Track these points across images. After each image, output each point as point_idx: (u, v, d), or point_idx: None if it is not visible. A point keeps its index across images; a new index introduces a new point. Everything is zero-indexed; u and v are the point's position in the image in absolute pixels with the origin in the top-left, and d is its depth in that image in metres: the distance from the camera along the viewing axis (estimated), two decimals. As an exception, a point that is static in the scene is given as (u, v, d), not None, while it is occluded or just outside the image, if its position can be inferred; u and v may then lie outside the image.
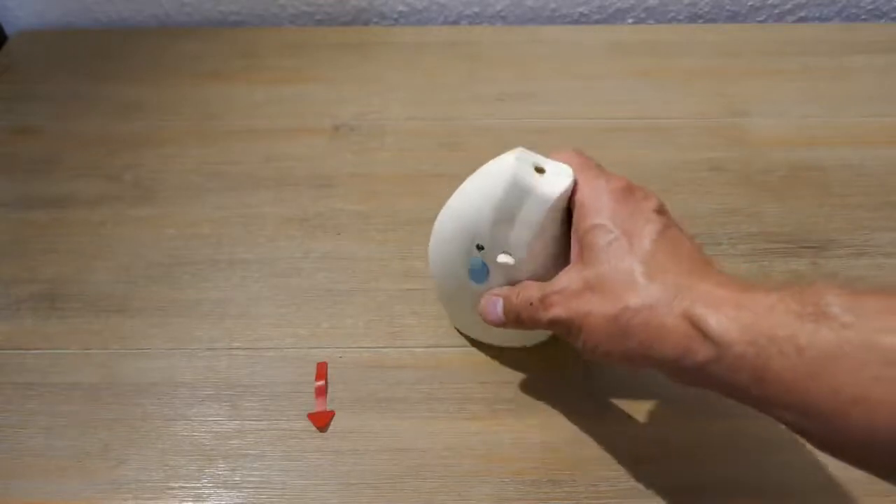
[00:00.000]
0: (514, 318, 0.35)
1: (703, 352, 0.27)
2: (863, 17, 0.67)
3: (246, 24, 0.68)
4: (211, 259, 0.47)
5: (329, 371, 0.41)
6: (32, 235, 0.49)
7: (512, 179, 0.33)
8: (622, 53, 0.61)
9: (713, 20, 0.67)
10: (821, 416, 0.25)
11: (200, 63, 0.61)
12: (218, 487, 0.37)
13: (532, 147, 0.36)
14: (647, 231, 0.31)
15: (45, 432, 0.39)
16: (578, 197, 0.33)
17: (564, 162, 0.34)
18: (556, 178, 0.33)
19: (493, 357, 0.42)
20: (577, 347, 0.32)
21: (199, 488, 0.37)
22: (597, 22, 0.67)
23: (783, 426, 0.27)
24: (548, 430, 0.38)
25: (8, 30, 0.67)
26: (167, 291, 0.45)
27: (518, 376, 0.41)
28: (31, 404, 0.40)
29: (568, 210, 0.35)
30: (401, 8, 0.66)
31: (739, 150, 0.53)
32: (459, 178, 0.37)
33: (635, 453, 0.37)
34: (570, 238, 0.37)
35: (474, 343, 0.42)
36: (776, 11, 0.67)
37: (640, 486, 0.36)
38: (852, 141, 0.53)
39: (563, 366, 0.41)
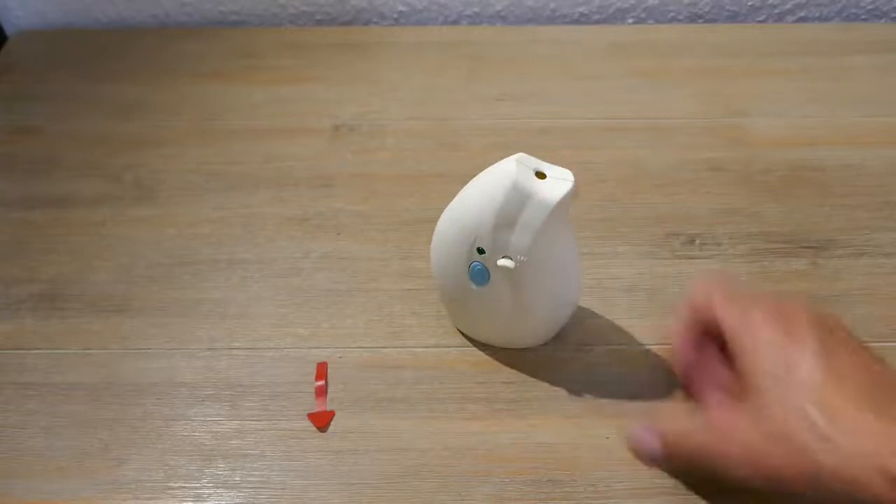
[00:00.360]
0: (685, 463, 0.34)
1: (891, 496, 0.27)
2: (863, 17, 0.67)
3: (246, 24, 0.68)
4: (211, 259, 0.47)
5: (329, 371, 0.41)
6: (32, 235, 0.49)
7: (512, 184, 0.33)
8: (622, 53, 0.61)
9: (713, 20, 0.67)
10: None
11: (200, 63, 0.61)
12: (218, 487, 0.37)
13: (532, 147, 0.36)
14: (807, 362, 0.30)
15: (45, 432, 0.39)
16: (733, 335, 0.33)
17: (710, 292, 0.35)
18: (557, 183, 0.33)
19: (493, 357, 0.41)
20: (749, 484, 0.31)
21: (199, 488, 0.37)
22: (597, 22, 0.67)
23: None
24: (548, 430, 0.38)
25: (8, 30, 0.67)
26: (167, 291, 0.45)
27: (518, 376, 0.41)
28: (31, 404, 0.40)
29: (710, 330, 0.35)
30: (401, 8, 0.66)
31: (739, 150, 0.53)
32: (459, 178, 0.37)
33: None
34: (571, 242, 0.37)
35: (474, 343, 0.42)
36: (776, 11, 0.67)
37: (640, 486, 0.36)
38: (852, 141, 0.53)
39: (563, 366, 0.41)
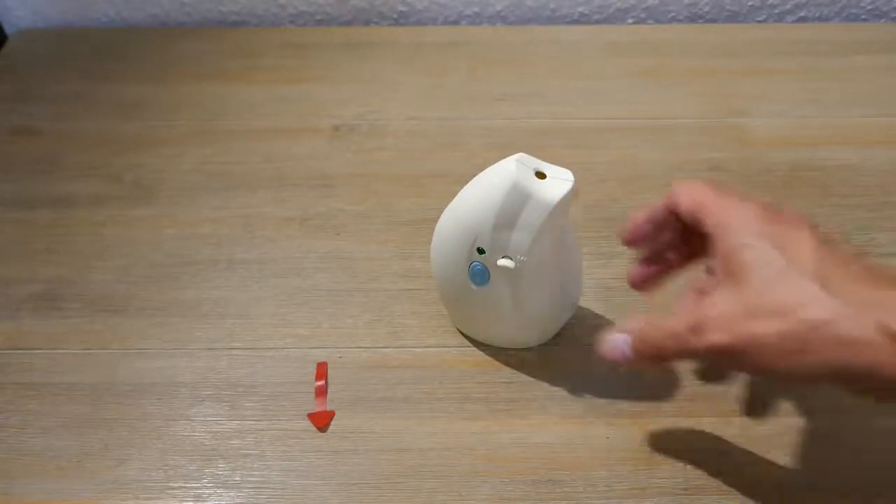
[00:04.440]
0: (653, 354, 0.32)
1: (891, 355, 0.26)
2: (863, 17, 0.67)
3: (246, 24, 0.68)
4: (211, 259, 0.47)
5: (329, 371, 0.41)
6: (32, 235, 0.49)
7: (512, 184, 0.33)
8: (622, 53, 0.61)
9: (713, 20, 0.67)
10: None
11: (200, 63, 0.61)
12: (218, 487, 0.37)
13: (532, 147, 0.36)
14: (806, 242, 0.29)
15: (45, 432, 0.39)
16: (720, 219, 0.31)
17: (694, 193, 0.33)
18: (557, 183, 0.33)
19: (493, 357, 0.41)
20: (745, 372, 0.30)
21: (199, 488, 0.37)
22: (597, 22, 0.67)
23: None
24: (548, 430, 0.38)
25: (8, 30, 0.67)
26: (167, 291, 0.45)
27: (518, 376, 0.41)
28: (31, 404, 0.40)
29: (688, 234, 0.34)
30: (401, 8, 0.66)
31: (739, 150, 0.53)
32: (459, 178, 0.37)
33: (635, 453, 0.37)
34: (571, 242, 0.37)
35: (474, 343, 0.42)
36: (776, 11, 0.67)
37: (640, 486, 0.36)
38: (852, 141, 0.53)
39: (563, 366, 0.41)
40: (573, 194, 0.33)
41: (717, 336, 0.29)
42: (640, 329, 0.32)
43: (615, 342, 0.33)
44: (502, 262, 0.35)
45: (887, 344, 0.26)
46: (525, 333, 0.40)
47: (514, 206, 0.34)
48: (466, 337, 0.42)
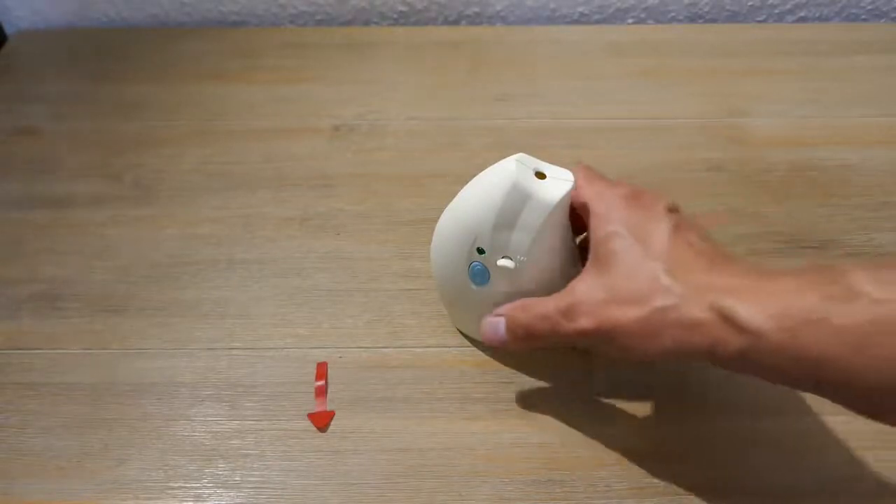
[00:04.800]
0: (524, 335, 0.34)
1: (736, 342, 0.28)
2: (863, 17, 0.67)
3: (246, 24, 0.68)
4: (211, 259, 0.47)
5: (329, 371, 0.41)
6: (32, 235, 0.49)
7: (512, 184, 0.33)
8: (622, 53, 0.61)
9: (713, 20, 0.67)
10: (866, 389, 0.26)
11: (200, 63, 0.61)
12: (218, 487, 0.37)
13: (532, 147, 0.36)
14: (660, 232, 0.32)
15: (45, 432, 0.39)
16: (590, 207, 0.34)
17: (578, 181, 0.35)
18: (557, 183, 0.34)
19: (493, 357, 0.41)
20: (606, 354, 0.32)
21: (199, 488, 0.37)
22: (597, 22, 0.67)
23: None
24: (548, 430, 0.38)
25: (8, 30, 0.67)
26: (167, 291, 0.45)
27: (518, 376, 0.41)
28: (31, 404, 0.40)
29: (572, 214, 0.35)
30: (401, 8, 0.66)
31: (739, 150, 0.53)
32: (459, 178, 0.37)
33: (635, 453, 0.37)
34: (571, 242, 0.37)
35: (475, 343, 0.42)
36: (776, 11, 0.67)
37: (640, 486, 0.36)
38: (852, 141, 0.53)
39: (563, 366, 0.41)
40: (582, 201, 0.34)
41: (584, 321, 0.32)
42: (514, 312, 0.35)
43: (493, 325, 0.35)
44: (502, 262, 0.35)
45: (719, 322, 0.28)
46: None
47: (513, 206, 0.34)
48: (466, 337, 0.42)
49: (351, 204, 0.50)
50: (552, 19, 0.67)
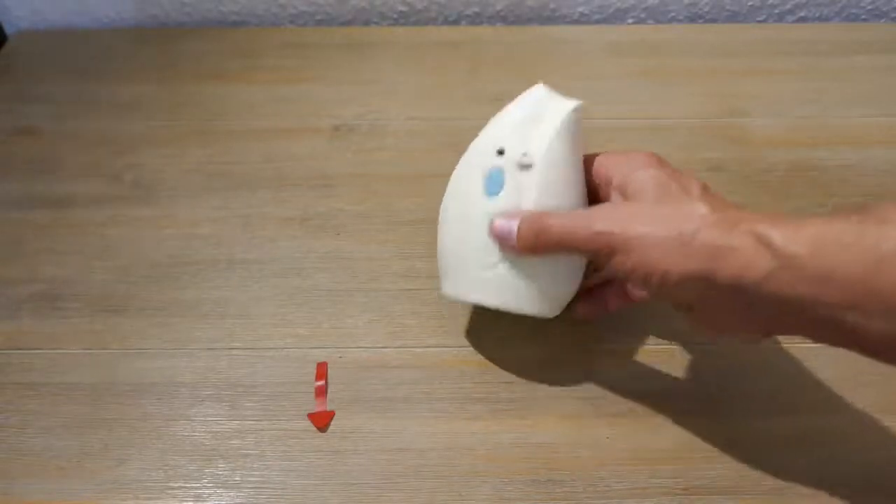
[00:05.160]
0: (535, 234, 0.34)
1: (767, 266, 0.28)
2: (863, 17, 0.67)
3: (246, 24, 0.68)
4: (211, 259, 0.47)
5: (329, 371, 0.41)
6: (32, 235, 0.49)
7: (542, 88, 0.38)
8: (622, 53, 0.61)
9: (713, 20, 0.67)
10: (889, 311, 0.26)
11: (200, 63, 0.61)
12: (218, 487, 0.37)
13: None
14: (693, 184, 0.32)
15: (45, 432, 0.39)
16: (615, 160, 0.35)
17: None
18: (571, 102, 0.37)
19: (493, 357, 0.41)
20: (622, 271, 0.32)
21: (199, 488, 0.37)
22: (597, 22, 0.67)
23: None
24: (548, 430, 0.38)
25: (8, 30, 0.67)
26: (167, 291, 0.45)
27: (518, 376, 0.41)
28: (31, 404, 0.40)
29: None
30: (401, 8, 0.66)
31: (739, 150, 0.53)
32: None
33: (635, 453, 0.37)
34: (583, 181, 0.37)
35: (474, 343, 0.42)
36: (776, 11, 0.67)
37: (640, 486, 0.36)
38: (852, 141, 0.53)
39: (563, 366, 0.41)
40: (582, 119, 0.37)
41: (605, 225, 0.32)
42: (530, 214, 0.35)
43: (507, 222, 0.35)
44: (522, 158, 0.36)
45: (754, 246, 0.28)
46: (539, 295, 0.37)
47: (539, 105, 0.37)
48: (468, 339, 0.42)
49: (351, 204, 0.50)
50: (552, 19, 0.67)
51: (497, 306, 0.37)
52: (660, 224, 0.30)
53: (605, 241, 0.32)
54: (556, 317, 0.38)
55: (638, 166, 0.34)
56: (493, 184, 0.37)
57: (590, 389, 0.40)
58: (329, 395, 0.40)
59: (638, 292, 0.39)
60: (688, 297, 0.31)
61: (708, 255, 0.29)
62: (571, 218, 0.33)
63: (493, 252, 0.36)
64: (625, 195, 0.33)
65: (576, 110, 0.37)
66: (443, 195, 0.39)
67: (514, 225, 0.35)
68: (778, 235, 0.28)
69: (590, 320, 0.42)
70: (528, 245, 0.34)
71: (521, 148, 0.36)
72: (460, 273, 0.38)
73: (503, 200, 0.36)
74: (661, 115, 0.56)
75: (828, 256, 0.27)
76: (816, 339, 0.29)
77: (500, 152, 0.37)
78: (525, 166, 0.36)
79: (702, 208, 0.30)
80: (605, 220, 0.32)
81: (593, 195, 0.37)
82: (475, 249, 0.37)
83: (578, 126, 0.37)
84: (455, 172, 0.39)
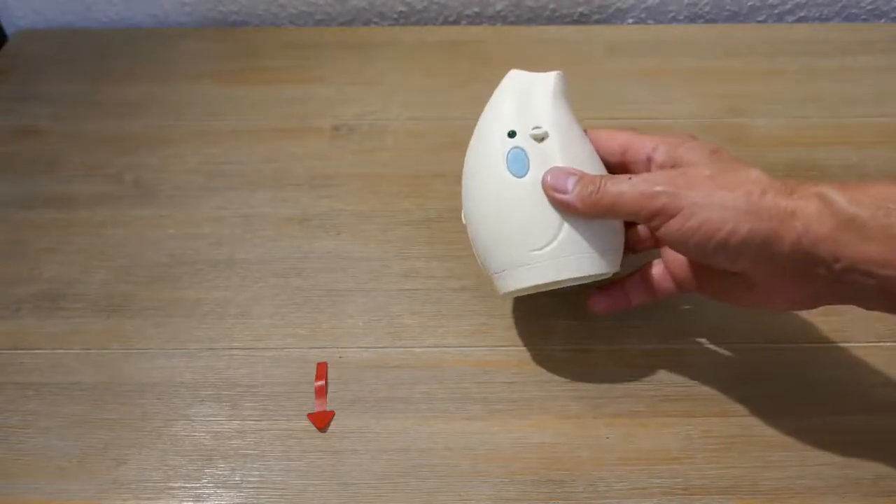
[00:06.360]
0: (593, 190, 0.33)
1: (828, 225, 0.28)
2: (863, 17, 0.67)
3: (246, 24, 0.68)
4: (211, 259, 0.47)
5: (329, 371, 0.41)
6: (33, 235, 0.49)
7: (516, 72, 0.40)
8: (622, 53, 0.61)
9: (713, 20, 0.67)
10: None
11: (200, 63, 0.61)
12: (218, 487, 0.37)
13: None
14: (754, 169, 0.32)
15: (45, 432, 0.39)
16: (645, 138, 0.36)
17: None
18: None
19: (493, 357, 0.42)
20: (680, 231, 0.31)
21: (199, 488, 0.37)
22: (597, 22, 0.67)
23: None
24: (547, 430, 0.38)
25: (8, 30, 0.67)
26: (167, 291, 0.45)
27: (518, 376, 0.41)
28: (32, 404, 0.40)
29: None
30: (401, 8, 0.66)
31: (739, 150, 0.53)
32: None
33: (635, 453, 0.37)
34: (588, 143, 0.38)
35: (474, 343, 0.42)
36: (776, 11, 0.67)
37: (640, 486, 0.36)
38: (852, 141, 0.53)
39: (563, 366, 0.41)
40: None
41: (667, 187, 0.31)
42: (586, 175, 0.35)
43: (563, 174, 0.35)
44: (534, 131, 0.37)
45: (817, 207, 0.29)
46: (603, 237, 0.36)
47: (525, 87, 0.39)
48: (468, 339, 0.42)
49: (351, 204, 0.50)
50: (552, 19, 0.67)
51: (565, 279, 0.36)
52: (725, 186, 0.30)
53: (664, 203, 0.31)
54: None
55: (682, 140, 0.34)
56: (519, 164, 0.36)
57: (590, 389, 0.40)
58: (329, 395, 0.40)
59: (675, 266, 0.37)
60: (742, 262, 0.31)
61: (774, 215, 0.29)
62: (631, 184, 0.33)
63: (545, 228, 0.35)
64: (677, 165, 0.34)
65: (560, 77, 0.39)
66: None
67: (571, 180, 0.34)
68: (841, 197, 0.28)
69: (609, 314, 0.40)
70: (588, 203, 0.34)
71: (529, 124, 0.37)
72: (518, 262, 0.36)
73: (533, 175, 0.36)
74: (660, 115, 0.56)
75: (891, 215, 0.27)
76: (870, 306, 0.30)
77: (511, 134, 0.37)
78: (541, 137, 0.37)
79: (761, 174, 0.31)
80: (666, 183, 0.32)
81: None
82: (525, 234, 0.36)
83: (566, 94, 0.39)
84: (467, 177, 0.39)
